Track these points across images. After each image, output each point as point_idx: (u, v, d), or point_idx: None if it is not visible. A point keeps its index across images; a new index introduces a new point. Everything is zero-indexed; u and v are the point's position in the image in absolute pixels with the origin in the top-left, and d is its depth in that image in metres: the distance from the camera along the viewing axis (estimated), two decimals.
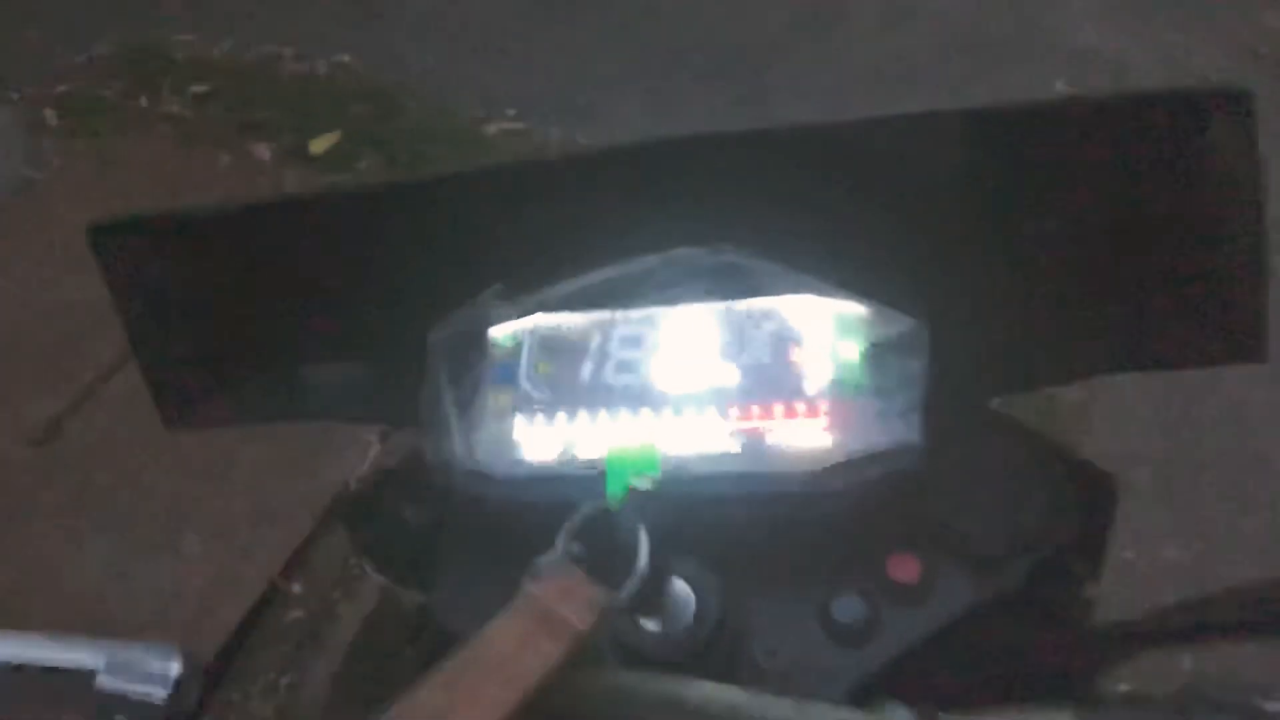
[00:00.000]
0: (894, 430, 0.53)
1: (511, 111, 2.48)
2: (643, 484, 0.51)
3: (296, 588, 1.95)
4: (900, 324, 0.55)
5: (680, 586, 0.53)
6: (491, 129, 2.48)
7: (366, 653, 0.70)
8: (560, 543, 0.50)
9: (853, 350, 0.56)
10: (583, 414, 0.58)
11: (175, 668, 0.51)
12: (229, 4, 2.91)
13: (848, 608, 0.54)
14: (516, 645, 0.46)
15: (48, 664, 0.50)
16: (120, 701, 0.49)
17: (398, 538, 0.66)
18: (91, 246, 0.57)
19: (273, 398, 0.64)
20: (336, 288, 0.62)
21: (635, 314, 0.60)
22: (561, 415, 0.58)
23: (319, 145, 2.37)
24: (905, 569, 0.54)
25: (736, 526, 0.55)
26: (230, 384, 0.64)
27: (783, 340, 0.57)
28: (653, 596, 0.50)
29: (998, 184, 0.54)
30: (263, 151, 2.39)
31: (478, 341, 0.60)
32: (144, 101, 2.62)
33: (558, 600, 0.47)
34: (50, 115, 2.71)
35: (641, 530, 0.48)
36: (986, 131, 0.53)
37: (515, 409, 0.59)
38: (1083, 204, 0.52)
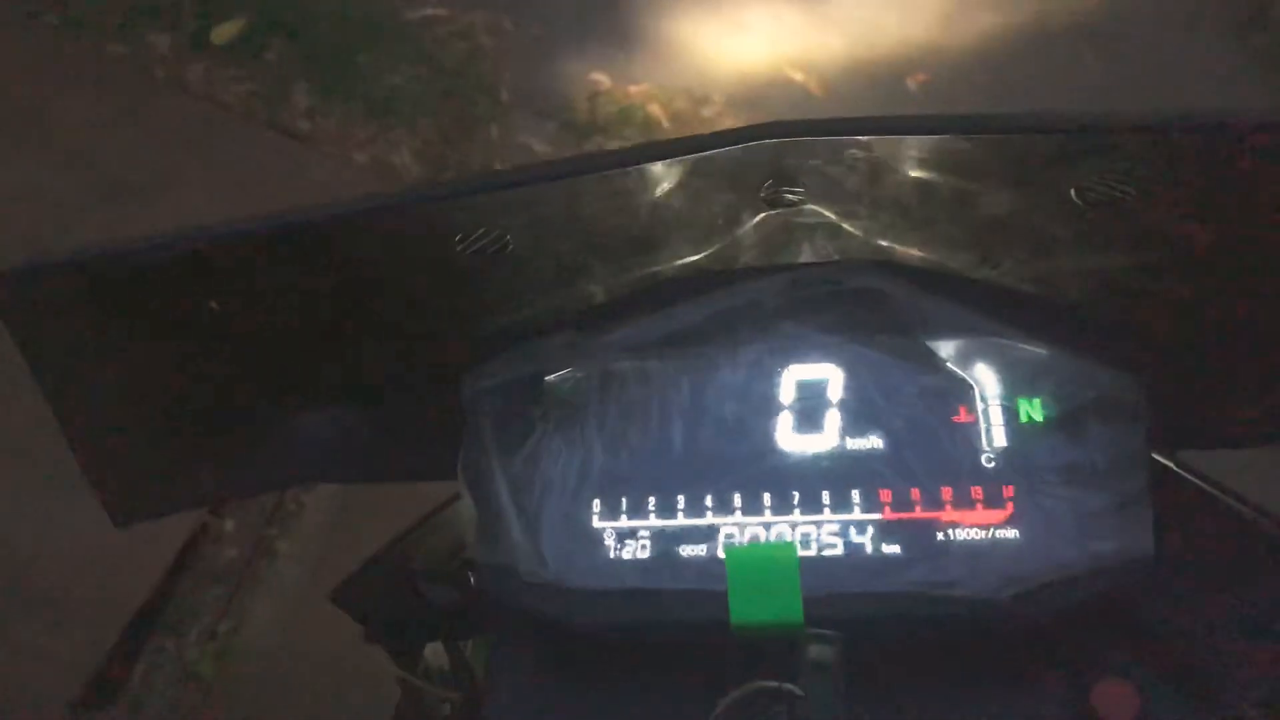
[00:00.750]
0: (1112, 531, 0.40)
1: None
2: (823, 654, 0.36)
3: (229, 525, 1.79)
4: (1111, 381, 0.41)
5: None
6: (411, 15, 2.23)
7: None
8: None
9: (1042, 414, 0.42)
10: (682, 498, 0.43)
11: None
12: None
13: None
14: None
15: None
16: None
17: (419, 620, 0.51)
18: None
19: (250, 465, 0.48)
20: (319, 331, 0.45)
21: (743, 357, 0.44)
22: (653, 499, 0.43)
23: (222, 34, 2.10)
24: (1117, 703, 0.41)
25: (897, 657, 0.42)
26: (194, 460, 0.47)
27: (944, 398, 0.43)
28: None
29: (1225, 205, 0.40)
30: (160, 41, 2.11)
31: (533, 396, 0.45)
32: None
33: None
34: None
35: None
36: (1216, 147, 0.38)
37: (592, 490, 0.44)
38: None
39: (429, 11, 2.27)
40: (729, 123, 2.00)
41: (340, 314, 0.44)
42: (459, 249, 0.42)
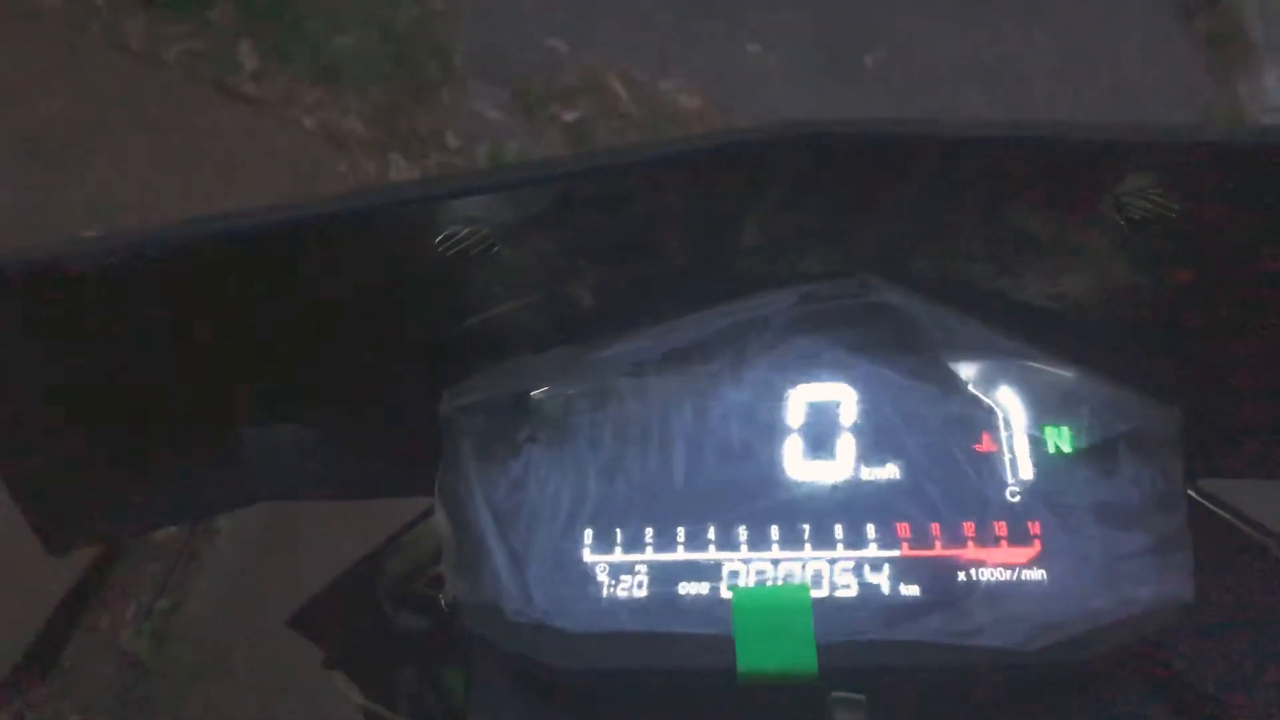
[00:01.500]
0: (1148, 575, 0.37)
1: None
2: (851, 714, 0.33)
3: None
4: (1147, 411, 0.38)
5: None
6: None
7: None
8: None
9: (1070, 444, 0.39)
10: (682, 530, 0.39)
11: None
12: None
13: None
14: None
15: None
16: None
17: (386, 646, 0.47)
18: None
19: (204, 485, 0.43)
20: (280, 341, 0.40)
21: (749, 376, 0.41)
22: (650, 530, 0.40)
23: None
24: None
25: (914, 704, 0.39)
26: (141, 482, 0.42)
27: (965, 424, 0.40)
28: None
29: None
30: None
31: (518, 415, 0.41)
32: None
33: None
34: None
35: None
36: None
37: (584, 520, 0.40)
38: None
39: None
40: (687, 97, 1.95)
41: (303, 322, 0.40)
42: (439, 250, 0.37)
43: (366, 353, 0.41)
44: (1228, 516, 0.43)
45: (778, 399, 0.40)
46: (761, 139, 0.36)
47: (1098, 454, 0.39)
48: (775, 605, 0.37)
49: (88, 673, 1.61)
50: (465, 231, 0.37)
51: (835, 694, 0.33)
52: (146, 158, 1.66)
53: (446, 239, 0.37)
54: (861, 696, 0.33)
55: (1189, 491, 0.42)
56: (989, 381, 0.40)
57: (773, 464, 0.40)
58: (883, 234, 0.40)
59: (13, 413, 0.37)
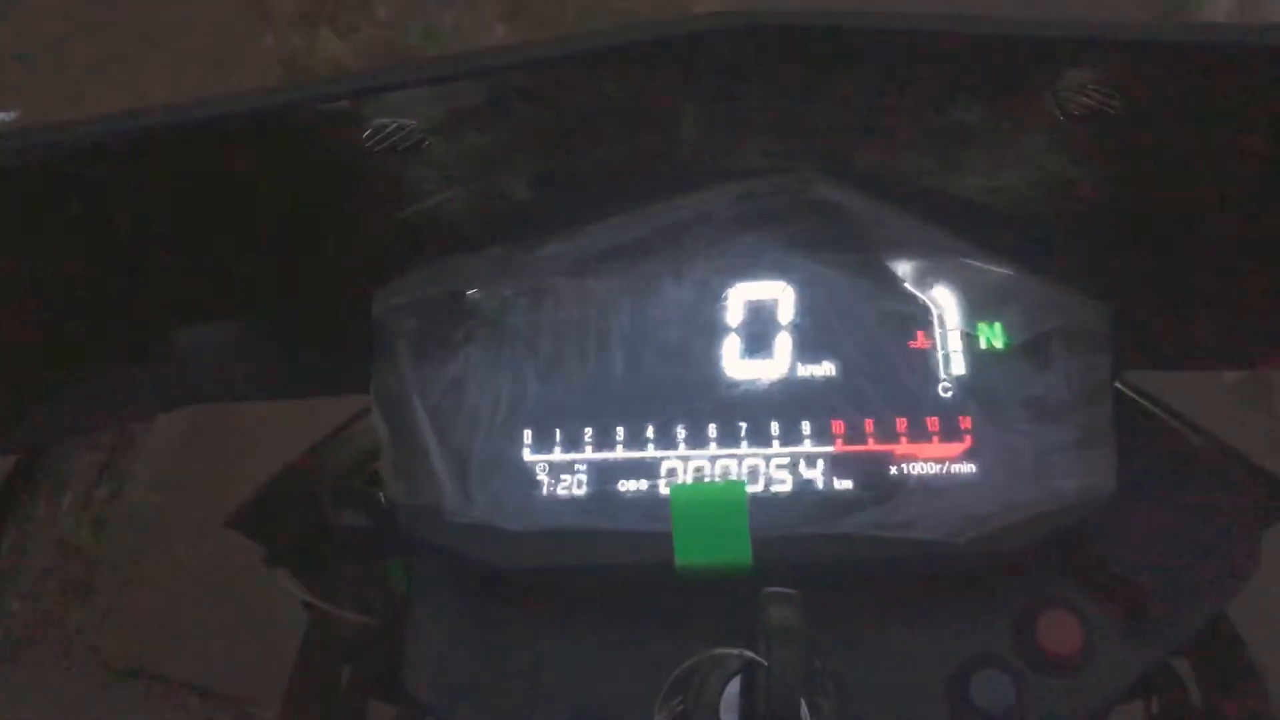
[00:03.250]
0: (1074, 467, 0.39)
1: None
2: (789, 619, 0.34)
3: None
4: (1078, 307, 0.39)
5: None
6: None
7: (305, 686, 0.53)
8: (663, 710, 0.34)
9: (1003, 341, 0.40)
10: (621, 429, 0.40)
11: None
12: None
13: (989, 687, 0.41)
14: None
15: None
16: None
17: (327, 544, 0.48)
18: None
19: (141, 386, 0.43)
20: (209, 238, 0.40)
21: (688, 274, 0.41)
22: (589, 429, 0.41)
23: None
24: (1061, 634, 0.41)
25: (848, 591, 0.41)
26: (77, 383, 0.42)
27: (901, 322, 0.41)
28: None
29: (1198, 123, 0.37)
30: None
31: (454, 315, 0.41)
32: None
33: None
34: None
35: (803, 705, 0.33)
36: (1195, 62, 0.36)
37: (522, 421, 0.40)
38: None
39: None
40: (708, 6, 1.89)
41: (229, 219, 0.39)
42: (368, 145, 0.37)
43: (296, 249, 0.41)
44: (1152, 409, 0.45)
45: (716, 298, 0.41)
46: (695, 29, 0.36)
47: (1029, 350, 0.40)
48: (712, 501, 0.38)
49: (28, 559, 1.61)
50: (393, 126, 0.37)
51: (768, 589, 0.35)
52: (60, 22, 1.59)
53: (374, 134, 0.37)
54: (794, 592, 0.35)
55: (1116, 385, 0.44)
56: (925, 279, 0.41)
57: (711, 363, 0.41)
58: (823, 126, 0.40)
59: None
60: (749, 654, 0.34)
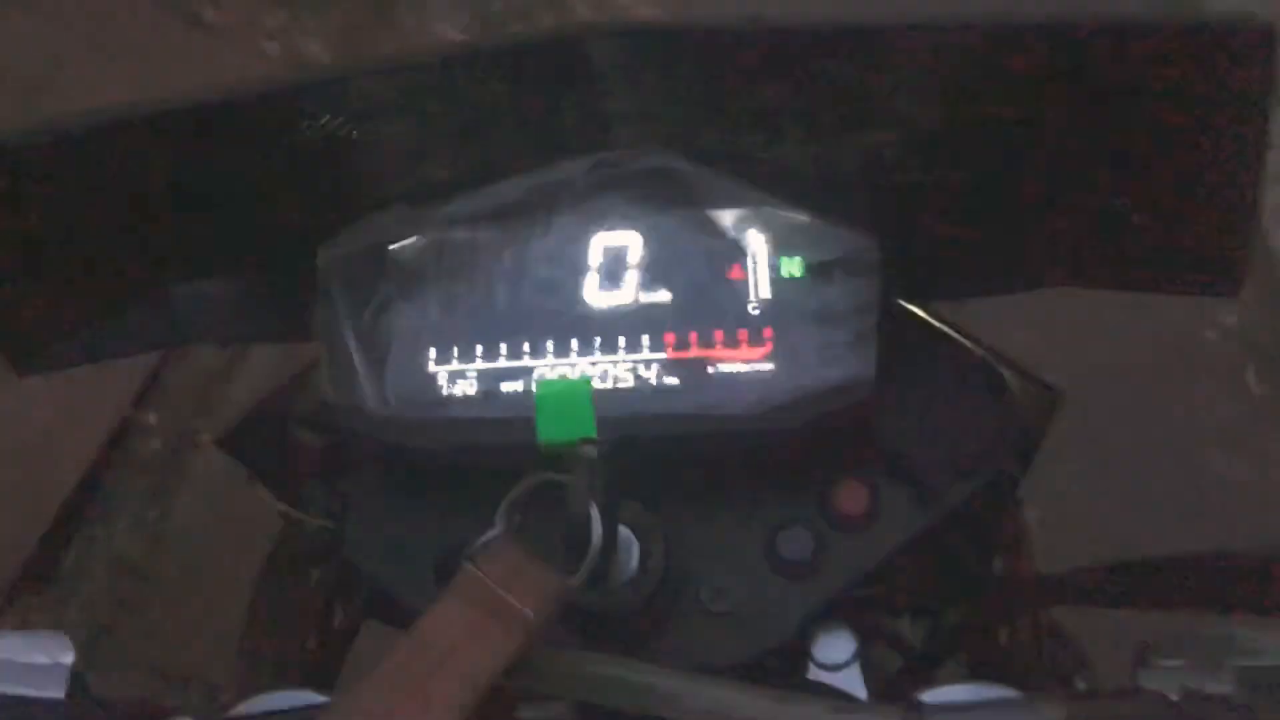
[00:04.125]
0: (844, 360, 0.51)
1: None
2: (589, 451, 0.47)
3: (152, 418, 1.88)
4: (854, 242, 0.52)
5: (623, 534, 0.51)
6: None
7: (272, 586, 0.67)
8: (501, 518, 0.46)
9: (799, 270, 0.52)
10: (504, 345, 0.53)
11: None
12: None
13: (794, 541, 0.53)
14: (465, 637, 0.43)
15: None
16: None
17: (295, 461, 0.61)
18: None
19: (133, 330, 0.57)
20: (183, 210, 0.54)
21: (557, 226, 0.54)
22: (480, 346, 0.54)
23: None
24: (852, 499, 0.53)
25: (676, 466, 0.53)
26: (87, 318, 0.56)
27: (721, 258, 0.53)
28: (601, 567, 0.47)
29: (974, 95, 0.49)
30: None
31: (378, 262, 0.54)
32: None
33: (505, 584, 0.44)
34: None
35: (594, 507, 0.45)
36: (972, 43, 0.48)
37: (429, 340, 0.54)
38: (1058, 117, 0.48)
39: None
40: (646, 8, 2.05)
41: (202, 195, 0.53)
42: (307, 133, 0.51)
43: (259, 216, 0.54)
44: (938, 325, 0.57)
45: (580, 244, 0.54)
46: (552, 38, 0.50)
47: (817, 275, 0.52)
48: (566, 391, 0.51)
49: (88, 577, 1.77)
50: (326, 118, 0.51)
51: (583, 438, 0.47)
52: (109, 85, 1.78)
53: (310, 124, 0.51)
54: (604, 438, 0.47)
55: (907, 305, 0.57)
56: (740, 225, 0.53)
57: (575, 294, 0.54)
58: (669, 115, 0.53)
59: None
60: (558, 476, 0.46)
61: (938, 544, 0.58)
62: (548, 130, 0.53)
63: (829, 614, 0.55)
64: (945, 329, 0.57)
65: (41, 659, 0.44)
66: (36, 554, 1.73)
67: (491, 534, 0.45)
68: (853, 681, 0.56)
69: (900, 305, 0.57)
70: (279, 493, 0.62)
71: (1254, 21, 0.43)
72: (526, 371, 0.53)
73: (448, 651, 0.43)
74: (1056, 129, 0.48)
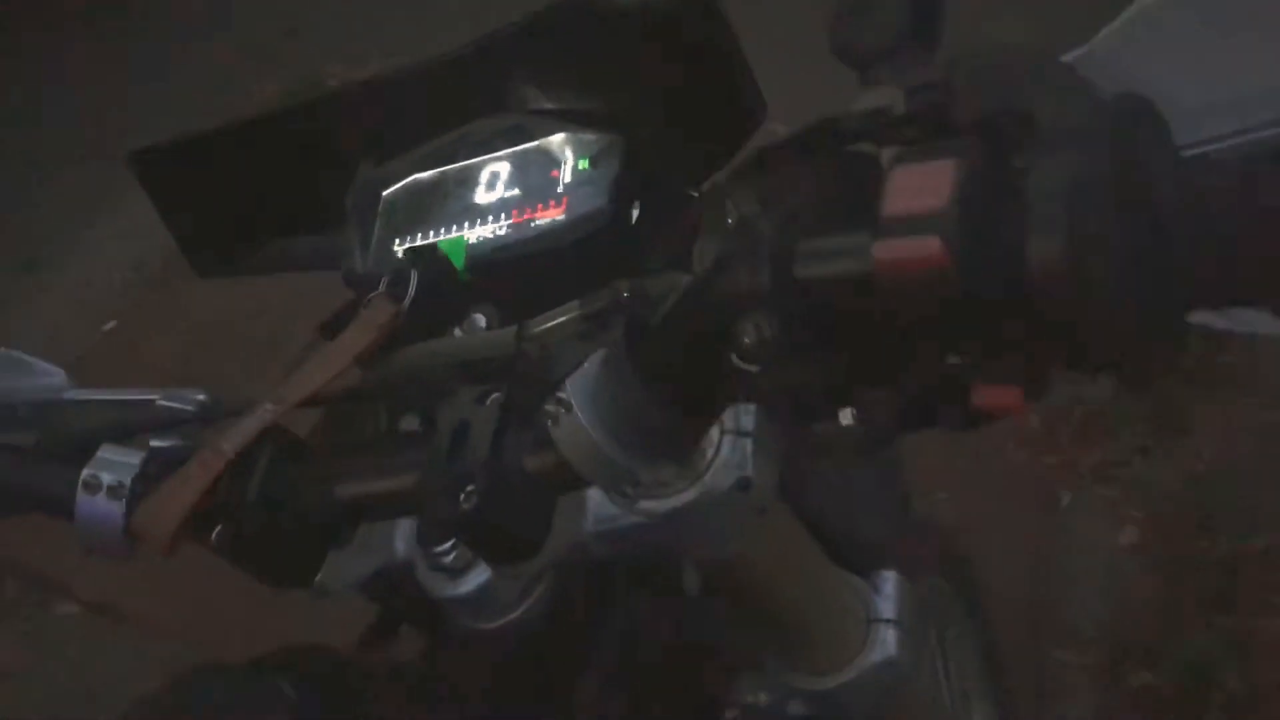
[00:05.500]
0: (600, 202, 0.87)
1: None
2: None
3: None
4: (604, 140, 0.90)
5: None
6: None
7: None
8: None
9: (585, 164, 0.91)
10: (439, 229, 0.94)
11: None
12: None
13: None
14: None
15: None
16: None
17: None
18: (131, 166, 0.97)
19: (275, 257, 1.03)
20: (318, 176, 0.99)
21: (461, 164, 0.96)
22: (421, 231, 0.95)
23: None
24: None
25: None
26: (244, 248, 1.03)
27: (548, 164, 0.92)
28: None
29: None
30: None
31: (375, 192, 0.98)
32: None
33: None
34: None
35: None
36: None
37: (393, 232, 0.96)
38: None
39: None
40: None
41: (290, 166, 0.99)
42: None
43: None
44: None
45: (476, 171, 0.95)
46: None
47: (595, 164, 0.90)
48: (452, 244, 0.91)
49: None
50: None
51: None
52: None
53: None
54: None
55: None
56: (561, 146, 0.92)
57: (472, 198, 0.94)
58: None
59: (185, 211, 0.98)
60: None
61: None
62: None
63: None
64: None
65: None
66: None
67: None
68: None
69: None
70: None
71: None
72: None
73: None
74: None
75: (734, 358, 0.50)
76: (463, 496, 0.60)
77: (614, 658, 0.90)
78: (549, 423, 0.59)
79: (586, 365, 0.59)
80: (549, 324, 0.71)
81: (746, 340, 0.49)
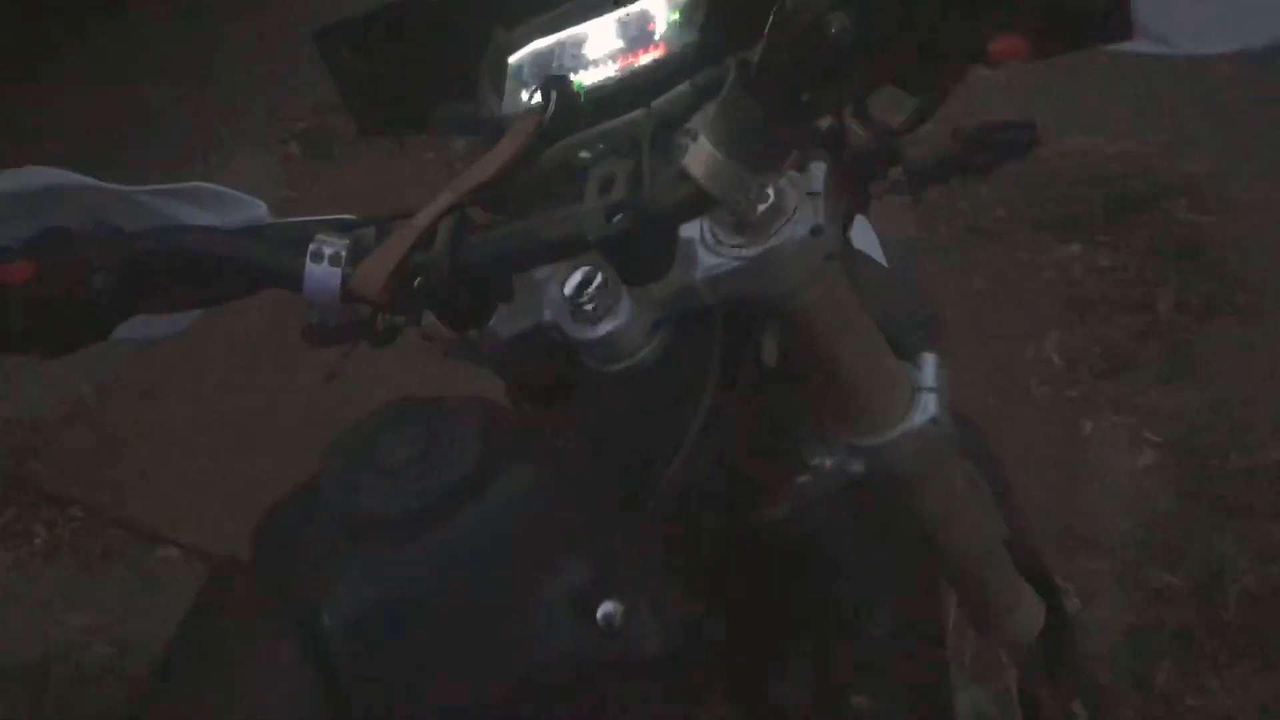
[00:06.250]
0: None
1: None
2: None
3: None
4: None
5: None
6: None
7: None
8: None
9: (675, 13, 1.13)
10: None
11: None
12: None
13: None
14: None
15: None
16: None
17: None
18: (315, 40, 1.20)
19: (421, 120, 1.25)
20: (462, 45, 1.18)
21: (573, 29, 1.18)
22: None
23: None
24: None
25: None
26: (396, 111, 1.25)
27: (645, 20, 1.15)
28: None
29: None
30: None
31: (504, 56, 1.21)
32: None
33: None
34: (294, 148, 3.69)
35: None
36: None
37: (521, 86, 1.19)
38: None
39: None
40: None
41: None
42: None
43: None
44: None
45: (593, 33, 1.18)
46: None
47: (685, 13, 1.13)
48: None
49: None
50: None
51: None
52: None
53: None
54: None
55: None
56: (655, 3, 1.15)
57: (591, 51, 1.17)
58: None
59: (357, 81, 1.21)
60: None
61: None
62: None
63: None
64: None
65: None
66: None
67: None
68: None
69: None
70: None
71: None
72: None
73: None
74: None
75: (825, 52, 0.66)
76: (617, 218, 0.80)
77: (709, 410, 1.07)
78: (683, 146, 0.82)
79: (706, 106, 0.81)
80: (670, 97, 0.93)
81: (834, 30, 0.67)
